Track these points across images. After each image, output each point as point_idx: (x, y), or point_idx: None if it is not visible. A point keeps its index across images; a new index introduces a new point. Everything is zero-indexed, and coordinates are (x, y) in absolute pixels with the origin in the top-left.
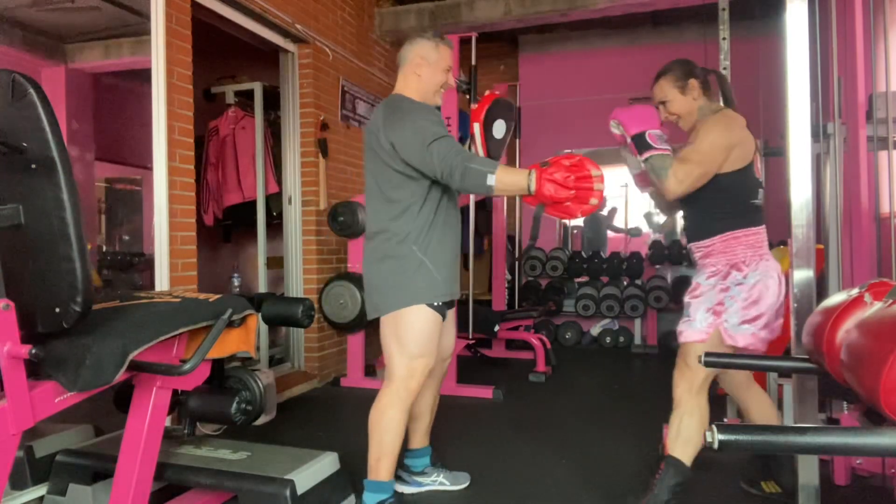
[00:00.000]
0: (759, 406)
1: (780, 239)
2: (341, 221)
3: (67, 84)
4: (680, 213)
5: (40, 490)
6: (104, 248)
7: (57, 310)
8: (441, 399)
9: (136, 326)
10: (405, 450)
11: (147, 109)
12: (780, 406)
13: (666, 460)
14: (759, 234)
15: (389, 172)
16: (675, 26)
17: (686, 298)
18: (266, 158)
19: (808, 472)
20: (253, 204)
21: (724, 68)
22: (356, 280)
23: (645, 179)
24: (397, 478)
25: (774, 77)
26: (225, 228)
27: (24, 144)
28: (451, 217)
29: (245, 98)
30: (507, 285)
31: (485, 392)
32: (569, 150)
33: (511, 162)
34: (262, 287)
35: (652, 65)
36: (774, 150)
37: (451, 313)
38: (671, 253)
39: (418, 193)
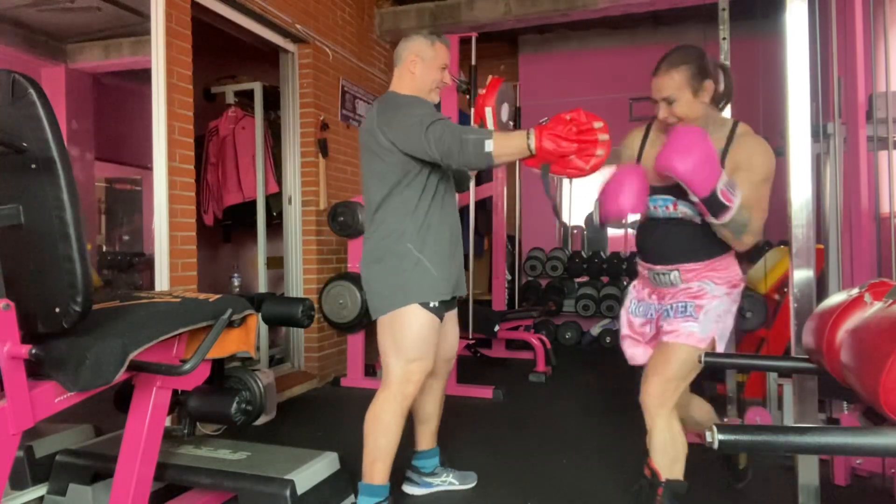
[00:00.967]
0: (693, 408)
1: (780, 239)
2: (341, 221)
3: (67, 84)
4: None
5: (40, 490)
6: (104, 248)
7: (57, 310)
8: (445, 398)
9: (136, 326)
10: (414, 452)
11: (147, 109)
12: (780, 406)
13: (663, 486)
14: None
15: (385, 170)
16: (676, 26)
17: (686, 299)
18: (266, 158)
19: (808, 472)
20: (253, 204)
21: None
22: (356, 280)
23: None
24: (407, 479)
25: (774, 77)
26: (225, 228)
27: (24, 144)
28: (449, 214)
29: (245, 98)
30: (507, 285)
31: (485, 392)
32: None
33: (511, 163)
34: (262, 287)
35: (652, 65)
36: (774, 150)
37: (454, 313)
38: None
39: (415, 190)
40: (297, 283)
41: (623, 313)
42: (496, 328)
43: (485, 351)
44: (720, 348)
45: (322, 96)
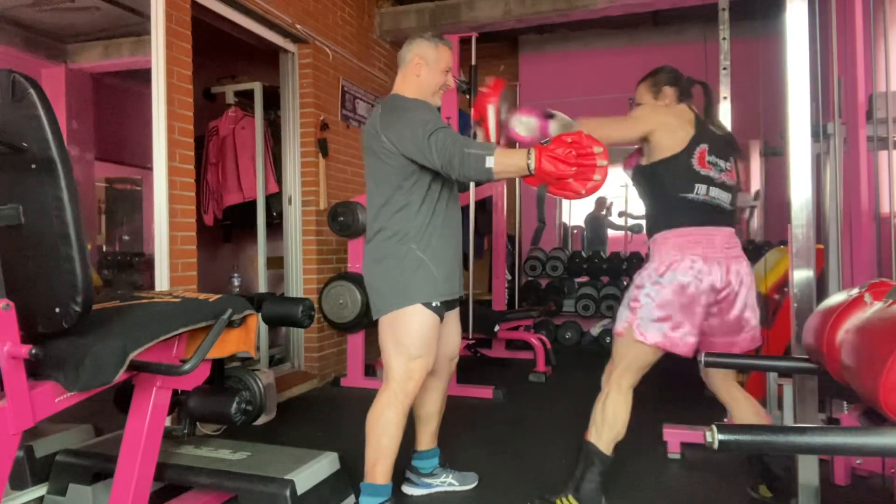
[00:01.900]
0: (739, 408)
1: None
2: (341, 221)
3: (67, 84)
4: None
5: (40, 490)
6: (104, 248)
7: (57, 310)
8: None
9: (136, 326)
10: (413, 451)
11: (147, 109)
12: (780, 406)
13: (585, 447)
14: (692, 235)
15: (388, 172)
16: (676, 26)
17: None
18: (266, 158)
19: (808, 472)
20: (253, 204)
21: (724, 68)
22: (356, 280)
23: (631, 160)
24: (406, 479)
25: (774, 77)
26: (225, 228)
27: (24, 144)
28: (452, 215)
29: (245, 98)
30: (507, 285)
31: (485, 392)
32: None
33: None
34: (262, 287)
35: (652, 65)
36: (774, 150)
37: (455, 312)
38: None
39: (418, 191)
40: (297, 283)
41: None
42: (496, 328)
43: (485, 351)
44: (652, 330)
45: (322, 96)
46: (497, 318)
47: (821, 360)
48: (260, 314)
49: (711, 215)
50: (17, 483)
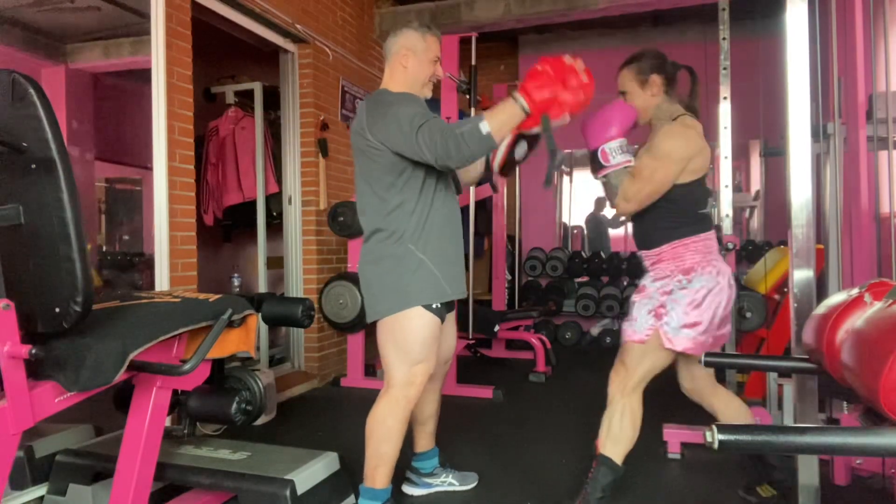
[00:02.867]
0: (728, 407)
1: (780, 239)
2: (341, 221)
3: (67, 84)
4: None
5: (40, 490)
6: (104, 248)
7: (57, 310)
8: (441, 399)
9: (136, 326)
10: (413, 453)
11: (147, 109)
12: (780, 406)
13: (598, 459)
14: (708, 239)
15: (379, 171)
16: (676, 26)
17: (632, 298)
18: (266, 158)
19: (808, 472)
20: (253, 204)
21: (724, 68)
22: (356, 280)
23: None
24: (406, 479)
25: (774, 77)
26: (225, 228)
27: (24, 144)
28: (451, 213)
29: (245, 98)
30: (507, 285)
31: (485, 392)
32: (569, 151)
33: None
34: (262, 287)
35: None
36: (774, 150)
37: (451, 315)
38: None
39: (411, 189)
40: (297, 283)
41: None
42: (496, 328)
43: (485, 351)
44: (681, 336)
45: (322, 96)
46: (497, 318)
47: (821, 360)
48: (260, 314)
49: (709, 222)
50: (17, 483)
